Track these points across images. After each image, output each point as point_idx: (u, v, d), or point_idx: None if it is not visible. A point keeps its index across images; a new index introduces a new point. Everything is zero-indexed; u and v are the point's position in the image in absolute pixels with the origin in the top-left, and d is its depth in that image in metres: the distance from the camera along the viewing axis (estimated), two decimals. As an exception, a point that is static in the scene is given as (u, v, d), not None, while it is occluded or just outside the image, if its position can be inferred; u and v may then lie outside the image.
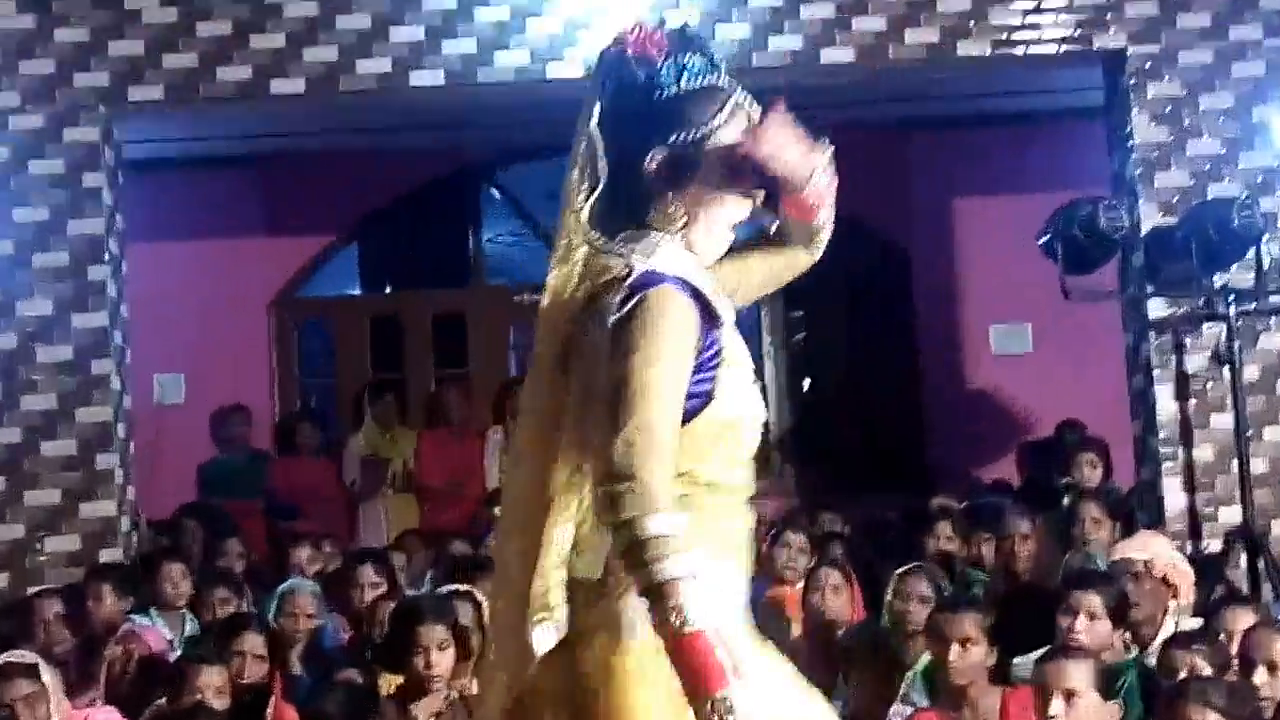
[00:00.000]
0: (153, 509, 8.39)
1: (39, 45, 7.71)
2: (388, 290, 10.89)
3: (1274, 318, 7.63)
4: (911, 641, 5.69)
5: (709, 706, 2.53)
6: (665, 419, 2.62)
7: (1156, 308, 7.70)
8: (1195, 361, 7.66)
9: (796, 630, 6.44)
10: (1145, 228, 7.67)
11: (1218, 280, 7.46)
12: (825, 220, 2.95)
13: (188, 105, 7.87)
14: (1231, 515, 7.43)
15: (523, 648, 2.77)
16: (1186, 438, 7.64)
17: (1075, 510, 6.99)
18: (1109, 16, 7.75)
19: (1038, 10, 7.74)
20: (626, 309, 2.68)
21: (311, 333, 10.69)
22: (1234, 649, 5.12)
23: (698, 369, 2.71)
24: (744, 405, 2.79)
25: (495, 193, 10.70)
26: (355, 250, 10.68)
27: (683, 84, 2.81)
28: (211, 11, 7.71)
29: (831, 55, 7.71)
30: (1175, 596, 5.93)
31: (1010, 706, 5.10)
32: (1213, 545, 7.43)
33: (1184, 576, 6.02)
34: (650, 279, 2.71)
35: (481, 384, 9.71)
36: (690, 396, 2.69)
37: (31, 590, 7.00)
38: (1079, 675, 4.71)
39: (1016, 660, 5.29)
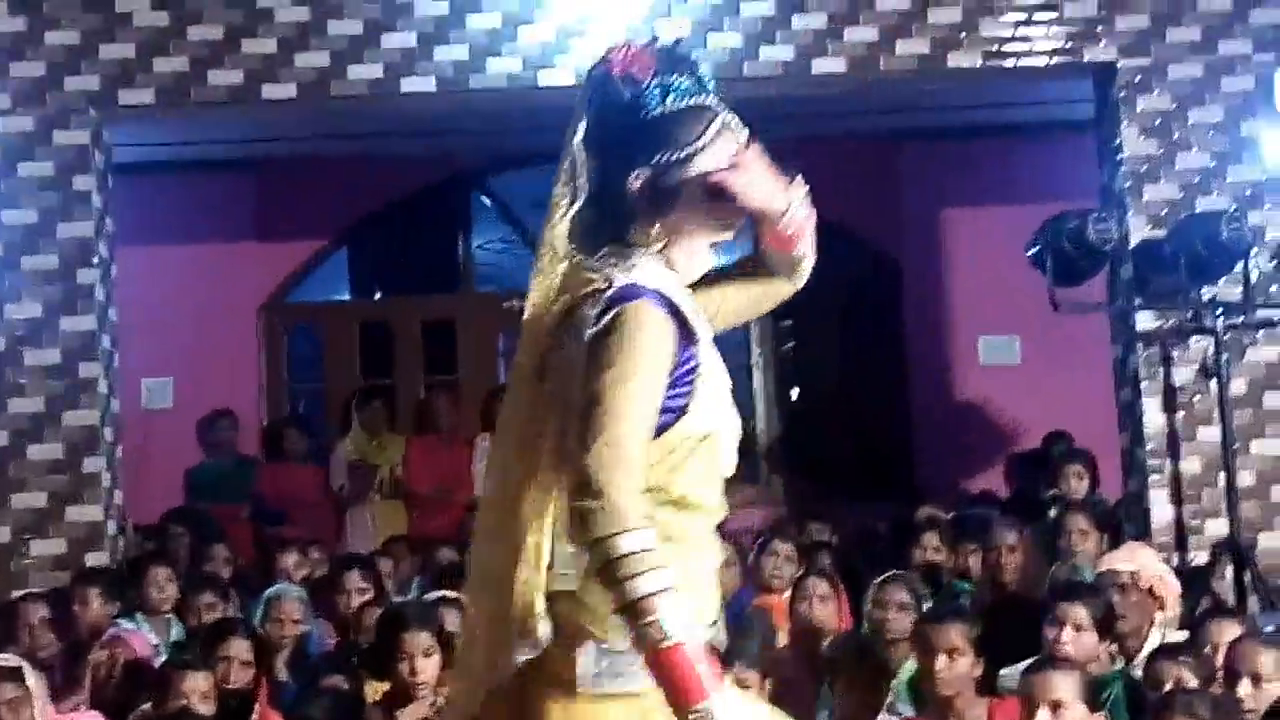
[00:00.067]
0: (139, 513, 8.35)
1: (29, 48, 7.69)
2: (377, 296, 10.88)
3: (1261, 331, 7.64)
4: (892, 648, 5.72)
5: (691, 718, 2.53)
6: (635, 436, 2.61)
7: (1144, 320, 7.70)
8: (1183, 374, 7.67)
9: (783, 639, 6.45)
10: (1134, 240, 7.69)
11: (1206, 293, 7.47)
12: (805, 251, 2.92)
13: (178, 109, 7.84)
14: (1218, 528, 7.44)
15: (490, 659, 2.78)
16: (1174, 450, 7.65)
17: (1062, 522, 6.98)
18: (1099, 30, 7.76)
19: (1028, 23, 7.75)
20: (604, 322, 2.67)
21: (301, 338, 10.65)
22: (1219, 661, 5.13)
23: (673, 384, 2.69)
24: (719, 419, 2.77)
25: (486, 200, 10.68)
26: (345, 256, 10.65)
27: (669, 104, 2.79)
28: (202, 15, 7.69)
29: (823, 65, 7.70)
30: (1161, 608, 5.94)
31: (996, 717, 5.11)
32: (1199, 557, 7.44)
33: (1170, 588, 6.03)
34: (628, 293, 2.70)
35: (470, 390, 9.70)
36: (664, 410, 2.67)
37: (17, 594, 6.96)
38: (1065, 686, 4.72)
39: (1003, 671, 5.30)
